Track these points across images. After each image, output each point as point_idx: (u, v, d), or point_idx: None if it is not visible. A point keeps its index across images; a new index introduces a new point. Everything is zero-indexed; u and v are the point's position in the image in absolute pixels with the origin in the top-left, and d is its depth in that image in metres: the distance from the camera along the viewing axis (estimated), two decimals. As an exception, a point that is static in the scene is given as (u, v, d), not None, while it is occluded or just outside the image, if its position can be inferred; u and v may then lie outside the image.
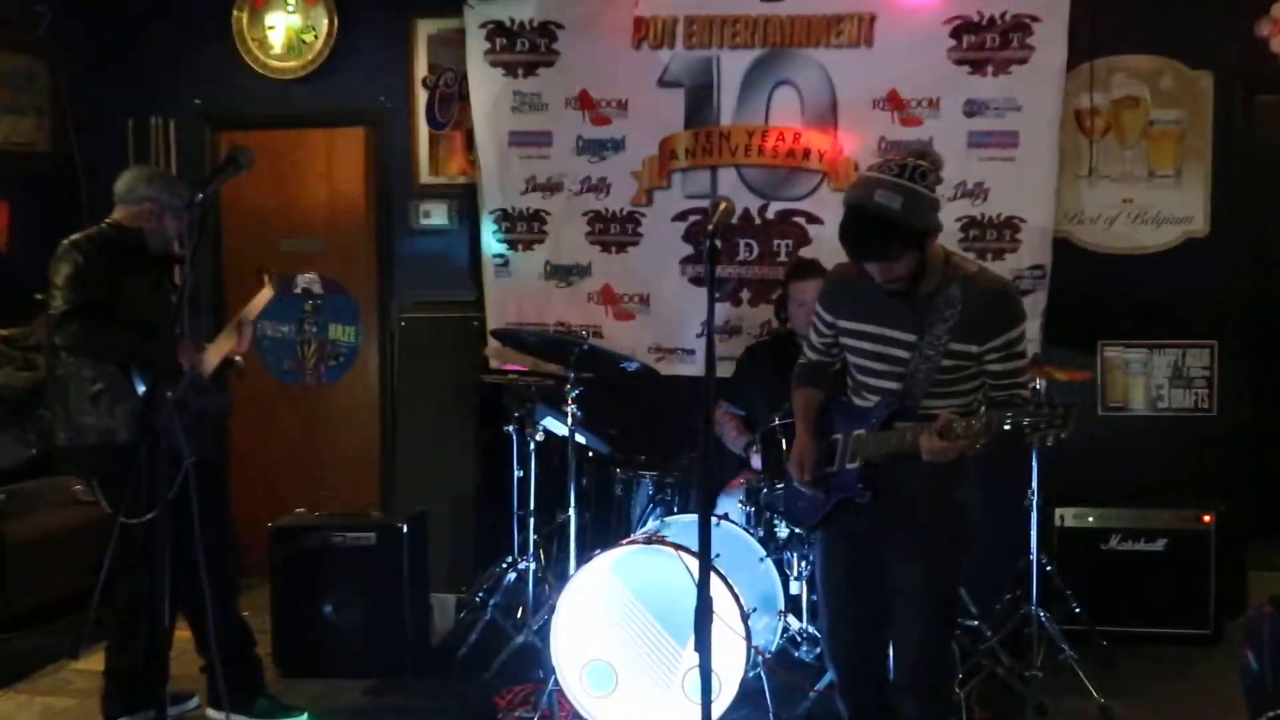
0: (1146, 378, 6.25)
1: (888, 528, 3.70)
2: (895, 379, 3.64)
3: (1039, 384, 5.20)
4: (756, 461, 5.48)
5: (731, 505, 5.31)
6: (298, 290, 7.07)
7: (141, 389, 4.69)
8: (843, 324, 3.75)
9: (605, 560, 4.77)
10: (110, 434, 4.72)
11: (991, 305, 3.57)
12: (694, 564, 4.32)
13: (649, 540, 4.78)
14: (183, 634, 4.87)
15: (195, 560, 3.92)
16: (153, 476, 4.35)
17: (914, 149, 3.62)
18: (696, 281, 6.38)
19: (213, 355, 4.98)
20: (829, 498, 3.78)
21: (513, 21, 6.47)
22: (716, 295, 5.92)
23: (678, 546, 4.68)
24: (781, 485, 5.07)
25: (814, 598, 4.85)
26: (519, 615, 5.75)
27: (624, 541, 4.89)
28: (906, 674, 3.76)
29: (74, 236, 4.84)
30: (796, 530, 4.99)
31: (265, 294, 5.20)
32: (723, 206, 3.45)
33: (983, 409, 3.55)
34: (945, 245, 3.70)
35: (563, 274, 6.55)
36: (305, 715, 5.07)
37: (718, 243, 3.34)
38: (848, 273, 3.74)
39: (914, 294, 3.58)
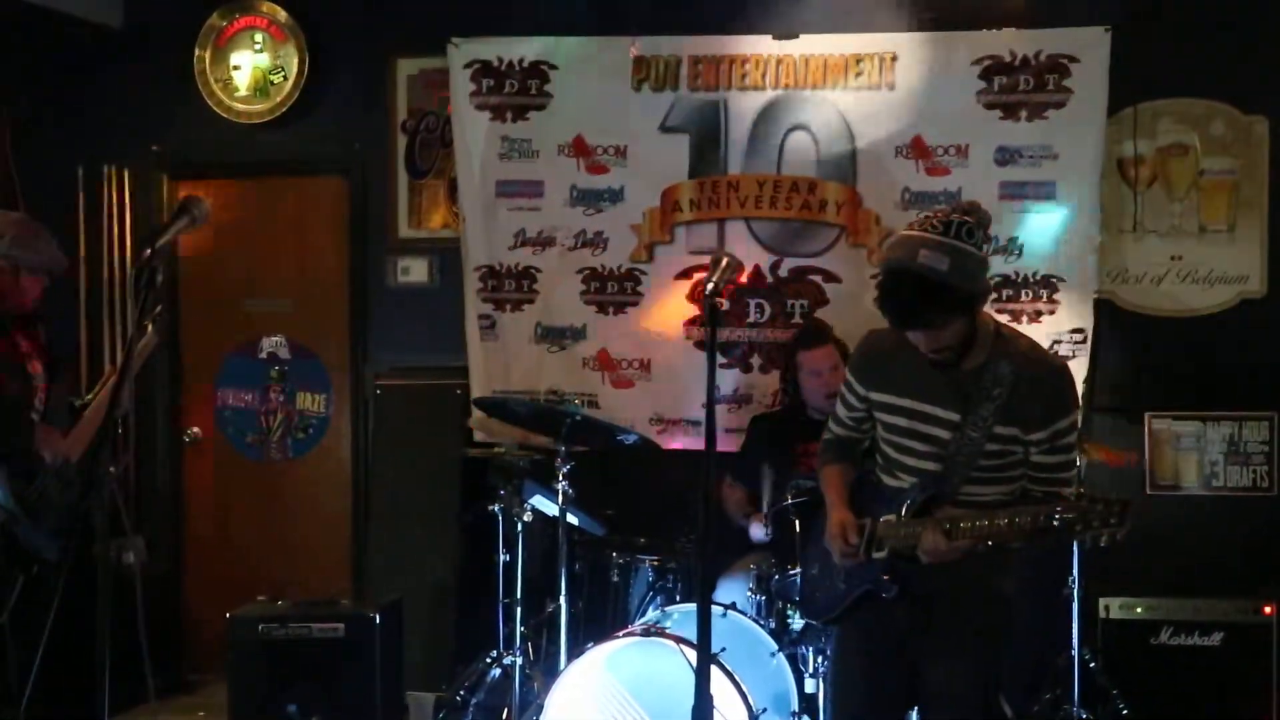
0: (1199, 453, 6.25)
1: (919, 626, 3.67)
2: (934, 460, 3.61)
3: (1080, 462, 5.21)
4: (756, 533, 5.48)
5: (740, 593, 5.30)
6: (262, 355, 7.12)
7: None
8: (876, 397, 3.73)
9: (599, 654, 4.77)
10: None
11: (1044, 389, 3.55)
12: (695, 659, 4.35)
13: (647, 632, 4.78)
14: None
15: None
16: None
17: (959, 204, 3.59)
18: (702, 346, 6.40)
19: (82, 434, 4.87)
20: (850, 589, 3.76)
21: (501, 61, 6.54)
22: (724, 360, 6.02)
23: (679, 639, 4.67)
24: (794, 571, 5.08)
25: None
26: (504, 716, 5.72)
27: (620, 633, 4.89)
28: None
29: None
30: (812, 622, 4.97)
31: (146, 341, 5.10)
32: (725, 262, 3.47)
33: (1003, 509, 3.52)
34: (992, 315, 3.71)
35: (555, 337, 6.58)
36: None
37: (721, 302, 3.36)
38: (884, 340, 3.73)
39: (959, 368, 3.57)
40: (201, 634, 6.91)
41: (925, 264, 3.40)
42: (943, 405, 3.59)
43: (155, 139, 7.15)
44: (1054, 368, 3.67)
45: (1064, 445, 3.60)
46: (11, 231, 4.84)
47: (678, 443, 6.40)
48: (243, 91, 7.03)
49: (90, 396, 5.09)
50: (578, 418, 5.36)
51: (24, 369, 4.79)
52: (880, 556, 3.66)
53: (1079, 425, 3.69)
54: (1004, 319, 5.86)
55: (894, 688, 3.74)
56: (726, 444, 6.01)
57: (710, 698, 3.19)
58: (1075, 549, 5.28)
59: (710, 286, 3.39)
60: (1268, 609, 5.78)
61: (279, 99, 6.99)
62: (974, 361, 3.57)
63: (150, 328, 5.11)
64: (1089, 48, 6.04)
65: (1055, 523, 3.33)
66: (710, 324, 3.38)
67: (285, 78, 6.98)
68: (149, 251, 3.77)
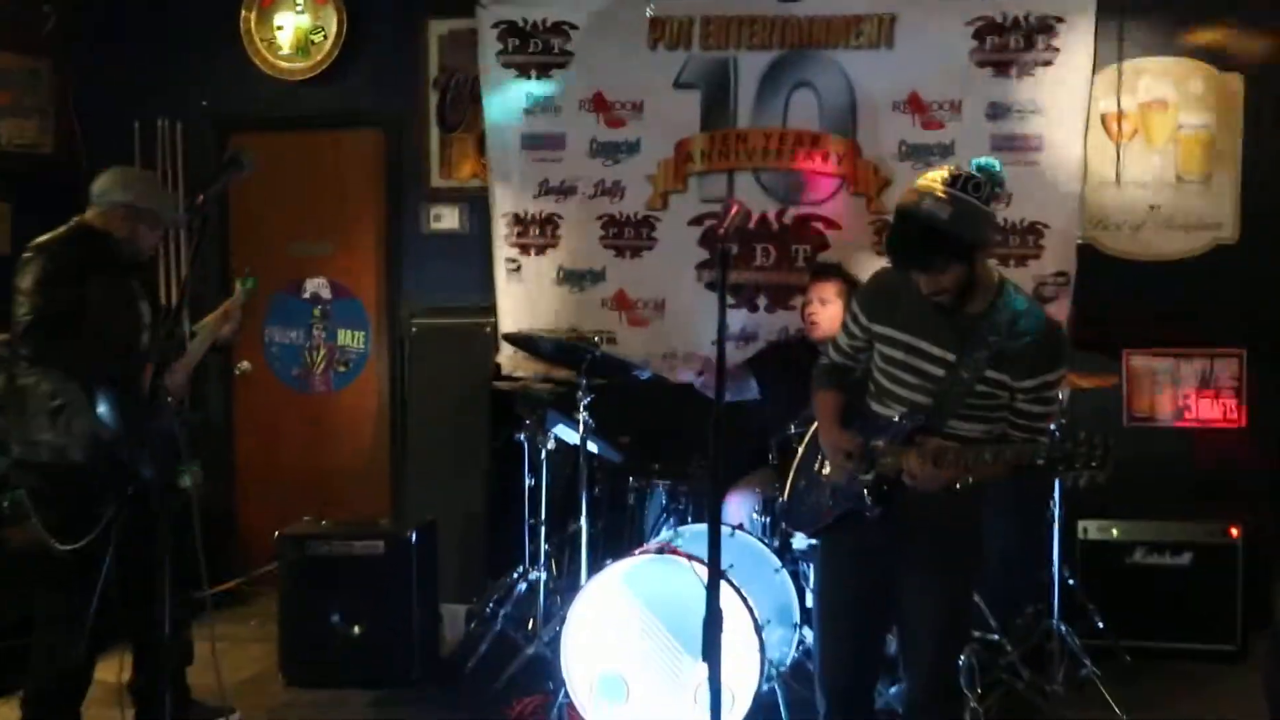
0: (1173, 387, 6.33)
1: (899, 547, 3.72)
2: (925, 394, 3.65)
3: (1063, 394, 5.28)
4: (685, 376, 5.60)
5: (746, 514, 5.41)
6: (306, 295, 7.22)
7: (102, 408, 4.60)
8: (878, 329, 3.76)
9: (617, 571, 4.87)
10: (63, 453, 4.64)
11: (1036, 343, 3.58)
12: (706, 574, 4.45)
13: (661, 550, 4.89)
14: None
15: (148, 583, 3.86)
16: (105, 502, 4.49)
17: (978, 161, 3.64)
18: (713, 287, 6.47)
19: (181, 370, 4.99)
20: (835, 506, 3.82)
21: (526, 22, 6.60)
22: (732, 301, 6.06)
23: (690, 556, 4.78)
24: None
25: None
26: (530, 626, 5.85)
27: (636, 551, 5.00)
28: (918, 697, 3.82)
29: (40, 239, 4.77)
30: (814, 542, 5.06)
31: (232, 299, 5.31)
32: (735, 210, 3.53)
33: (989, 444, 3.59)
34: (998, 267, 3.75)
35: (576, 279, 6.67)
36: (237, 714, 5.21)
37: (731, 247, 3.43)
38: (893, 278, 3.75)
39: (960, 312, 3.61)
40: (252, 550, 7.03)
41: (928, 210, 3.46)
42: (940, 345, 3.64)
43: (205, 95, 7.22)
44: (1050, 325, 3.69)
45: (1048, 397, 3.64)
46: (140, 186, 4.95)
47: (688, 376, 6.48)
48: (285, 50, 7.10)
49: (195, 329, 5.21)
50: (597, 354, 5.46)
51: (136, 308, 4.89)
52: (867, 478, 3.72)
53: (1063, 381, 3.73)
54: (992, 263, 6.04)
55: (874, 602, 3.80)
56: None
57: (720, 610, 3.27)
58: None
59: (722, 232, 3.45)
60: (1234, 531, 5.89)
61: (319, 57, 7.06)
62: (975, 308, 3.61)
63: (239, 285, 5.31)
64: (1076, 9, 6.08)
65: (1040, 461, 3.39)
66: (721, 267, 3.43)
67: (325, 37, 7.05)
68: (201, 198, 3.86)
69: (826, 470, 3.87)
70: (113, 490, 4.50)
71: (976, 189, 3.51)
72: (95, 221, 4.87)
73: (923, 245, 3.50)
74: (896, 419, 3.69)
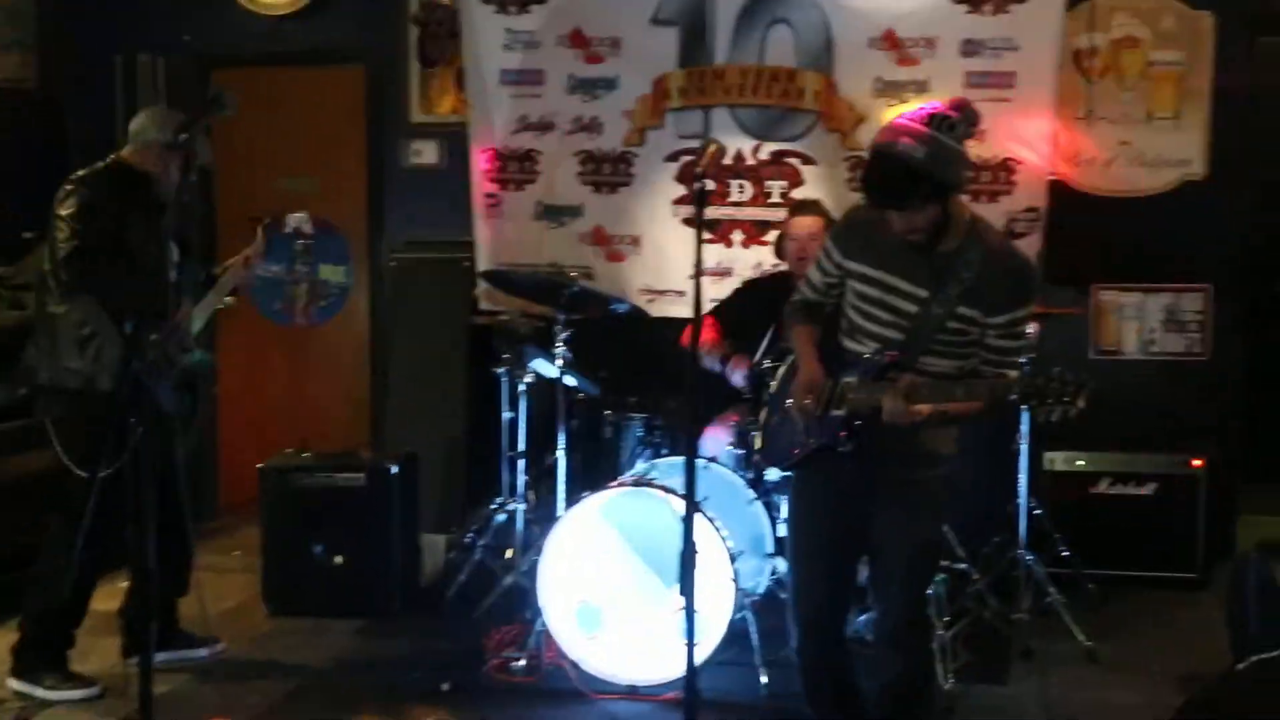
0: (1140, 321, 6.28)
1: (871, 480, 3.67)
2: (897, 330, 3.60)
3: (1032, 328, 5.20)
4: (737, 379, 5.39)
5: (720, 448, 5.33)
6: (288, 230, 7.04)
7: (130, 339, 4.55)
8: (851, 265, 3.69)
9: (593, 503, 4.81)
10: (92, 381, 4.69)
11: (1008, 279, 3.53)
12: (681, 507, 4.38)
13: (637, 483, 4.82)
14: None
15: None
16: (127, 430, 4.38)
17: (952, 100, 3.55)
18: (689, 223, 6.35)
19: (200, 312, 5.03)
20: (809, 441, 3.74)
21: (504, -43, 6.44)
22: (707, 236, 5.96)
23: (665, 489, 4.71)
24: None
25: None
26: (508, 556, 5.80)
27: (612, 484, 4.92)
28: (889, 627, 3.78)
29: (80, 173, 4.78)
30: (787, 473, 4.99)
31: (254, 246, 5.25)
32: (711, 149, 3.43)
33: (960, 380, 3.52)
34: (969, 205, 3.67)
35: (554, 215, 6.53)
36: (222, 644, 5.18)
37: (708, 185, 3.33)
38: (865, 215, 3.67)
39: (932, 250, 3.53)
40: (235, 480, 6.95)
41: (903, 150, 3.38)
42: (913, 281, 3.57)
43: (187, 31, 7.05)
44: (1021, 261, 3.65)
45: (1018, 332, 3.59)
46: (173, 125, 4.82)
47: (666, 311, 6.38)
48: (266, -14, 6.93)
49: (218, 271, 5.19)
50: (575, 289, 5.34)
51: (164, 245, 4.78)
52: (839, 414, 3.66)
53: (1032, 317, 3.67)
54: (965, 198, 5.93)
55: (846, 534, 3.74)
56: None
57: (694, 542, 3.21)
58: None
59: (698, 170, 3.36)
60: (1196, 462, 5.85)
61: (300, -8, 6.89)
62: (948, 245, 3.54)
63: (261, 232, 5.29)
64: (1050, -54, 5.93)
65: (1013, 396, 3.35)
66: (698, 204, 3.35)
67: (306, -27, 6.87)
68: (184, 136, 3.78)
69: (800, 405, 3.78)
70: (136, 419, 4.36)
71: (951, 128, 3.43)
72: (131, 159, 4.85)
73: (898, 184, 3.42)
74: (869, 355, 3.62)
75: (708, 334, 5.58)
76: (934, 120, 3.42)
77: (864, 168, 3.54)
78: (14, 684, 4.78)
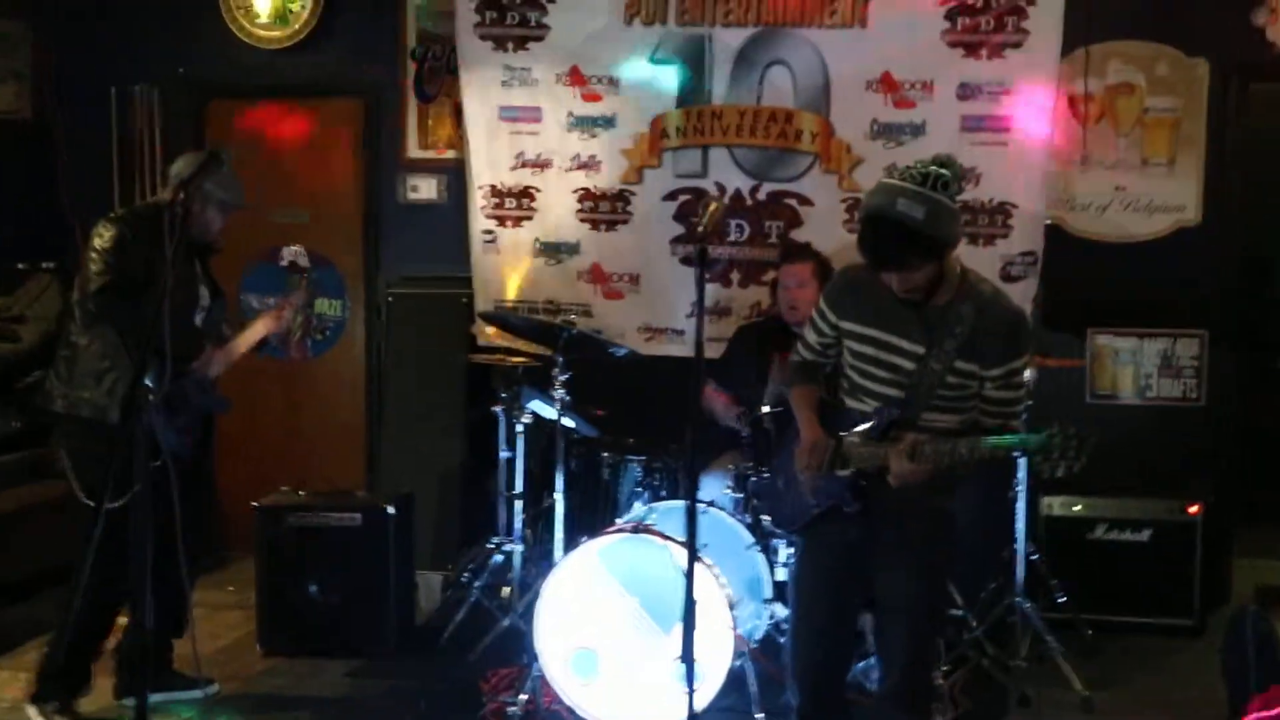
0: (1135, 366, 6.28)
1: (877, 539, 3.67)
2: (897, 387, 3.60)
3: (1030, 374, 5.21)
4: (730, 420, 5.47)
5: (718, 491, 5.32)
6: (283, 263, 7.02)
7: (153, 378, 4.54)
8: (847, 326, 3.70)
9: (591, 548, 4.79)
10: (103, 412, 4.73)
11: (1002, 331, 3.54)
12: (681, 555, 4.37)
13: (636, 529, 4.80)
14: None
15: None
16: (132, 465, 4.44)
17: (937, 157, 3.57)
18: (687, 261, 6.36)
19: (226, 355, 5.05)
20: (816, 503, 3.75)
21: (503, -6, 6.44)
22: (706, 275, 5.98)
23: (665, 536, 4.70)
24: (769, 474, 5.10)
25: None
26: (505, 595, 5.78)
27: (610, 529, 4.90)
28: (892, 684, 3.76)
29: (119, 210, 4.89)
30: (778, 530, 4.99)
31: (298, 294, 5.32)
32: (713, 208, 3.44)
33: (964, 437, 3.51)
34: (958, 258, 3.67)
35: (552, 251, 6.53)
36: (215, 685, 5.15)
37: (708, 247, 3.34)
38: (858, 275, 3.69)
39: (926, 305, 3.55)
40: (230, 516, 6.90)
41: (903, 212, 3.39)
42: (909, 338, 3.59)
43: (182, 62, 7.01)
44: (1013, 312, 3.65)
45: (1016, 383, 3.60)
46: (191, 162, 4.83)
47: (664, 349, 6.38)
48: (263, 19, 6.91)
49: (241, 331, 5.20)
50: (572, 332, 5.33)
51: (195, 289, 4.92)
52: (845, 474, 3.66)
53: (1029, 366, 3.68)
54: (962, 241, 5.94)
55: (852, 594, 3.76)
56: (709, 353, 5.97)
57: (694, 603, 3.21)
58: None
59: (700, 229, 3.36)
60: (1193, 509, 5.85)
61: (297, 26, 6.88)
62: (940, 300, 3.56)
63: (304, 284, 5.33)
64: (1046, -8, 5.96)
65: (1016, 454, 3.36)
66: (699, 262, 3.36)
67: (303, 7, 6.87)
68: (181, 195, 3.77)
69: (801, 469, 3.79)
70: (142, 456, 4.34)
71: (945, 187, 3.45)
72: (167, 200, 4.83)
73: (899, 246, 3.44)
74: (871, 414, 3.62)
75: (719, 400, 5.61)
76: (929, 179, 3.44)
77: (862, 230, 3.53)
78: (28, 707, 4.84)
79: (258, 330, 5.15)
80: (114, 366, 4.73)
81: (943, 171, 3.45)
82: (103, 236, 4.72)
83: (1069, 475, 3.28)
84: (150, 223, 4.74)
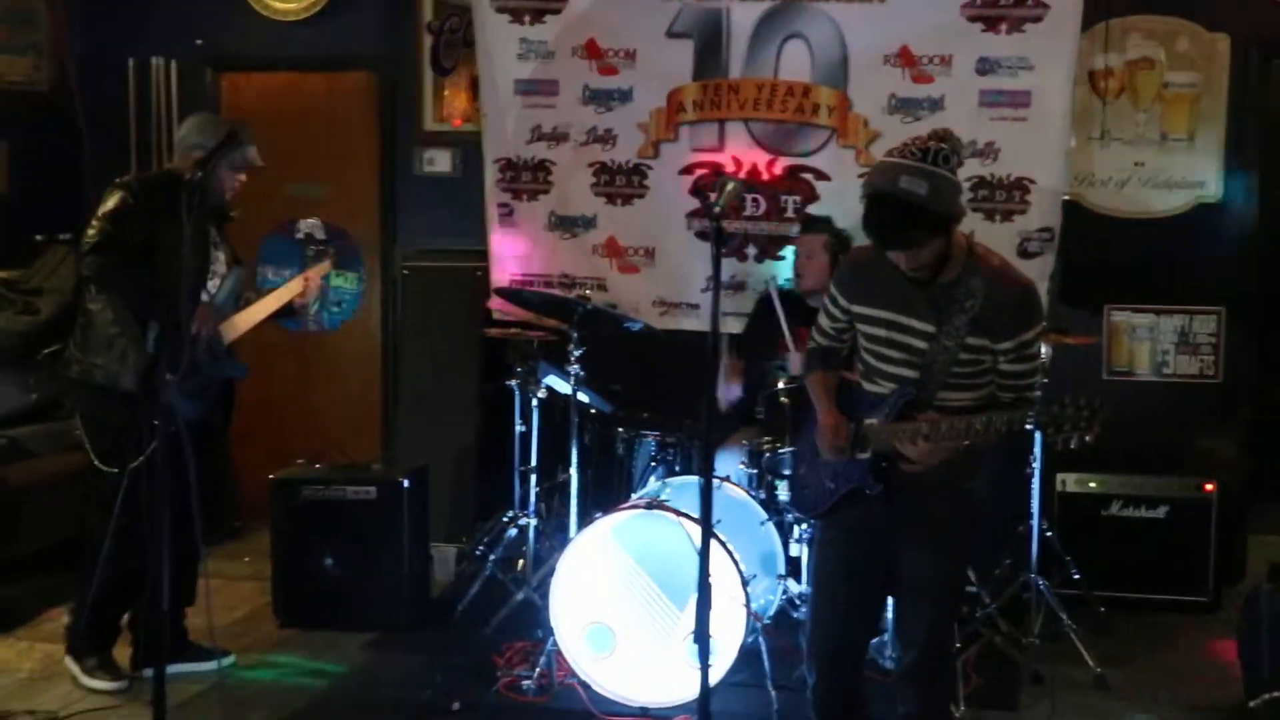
0: (1153, 343, 6.25)
1: (899, 519, 3.66)
2: (911, 367, 3.59)
3: (1045, 350, 5.20)
4: (732, 393, 5.58)
5: (733, 466, 5.33)
6: (300, 235, 7.05)
7: (152, 342, 4.75)
8: (858, 309, 3.69)
9: (606, 525, 4.79)
10: (115, 379, 4.78)
11: (1011, 304, 3.51)
12: (695, 531, 4.38)
13: (650, 506, 4.80)
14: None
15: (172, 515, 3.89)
16: (143, 430, 4.54)
17: (935, 132, 3.54)
18: (702, 236, 6.33)
19: (241, 322, 5.05)
20: (838, 487, 3.74)
21: (519, -34, 6.40)
22: (722, 250, 5.98)
23: (679, 513, 4.70)
24: (784, 449, 5.10)
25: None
26: (519, 569, 5.79)
27: (625, 506, 4.90)
28: (910, 663, 3.76)
29: (126, 176, 4.90)
30: (801, 516, 5.00)
31: (321, 267, 5.30)
32: (729, 187, 3.42)
33: (979, 413, 3.49)
34: (964, 233, 3.64)
35: (567, 225, 6.50)
36: (232, 657, 5.21)
37: (724, 225, 3.32)
38: (865, 257, 3.68)
39: (934, 283, 3.53)
40: (245, 488, 6.93)
41: (905, 189, 3.36)
42: (919, 317, 3.57)
43: (199, 34, 7.02)
44: (1022, 284, 3.61)
45: (1029, 355, 3.58)
46: (214, 129, 4.89)
47: (679, 324, 6.36)
48: (280, -9, 6.91)
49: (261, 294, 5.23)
50: (587, 307, 5.32)
51: (207, 253, 4.93)
52: (864, 457, 3.66)
53: (1041, 337, 3.66)
54: (979, 217, 5.95)
55: (873, 579, 3.74)
56: (722, 326, 5.97)
57: (710, 583, 3.22)
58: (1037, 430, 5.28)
59: (716, 209, 3.34)
60: (1208, 486, 5.83)
61: (312, -1, 6.87)
62: (948, 276, 3.53)
63: (329, 258, 5.35)
64: (1066, -35, 5.90)
65: (1030, 425, 3.34)
66: (715, 242, 3.34)
67: (320, -22, 6.85)
68: (199, 173, 3.77)
69: (825, 453, 3.78)
70: (153, 422, 4.49)
71: (946, 160, 3.42)
72: (179, 167, 4.90)
73: (904, 224, 3.41)
74: (887, 396, 3.61)
75: (732, 367, 5.70)
76: (929, 154, 3.41)
77: (865, 211, 3.49)
78: (67, 660, 5.01)
79: (279, 296, 5.16)
80: (124, 333, 4.78)
81: (942, 145, 3.43)
82: (106, 202, 4.77)
83: (1082, 446, 3.28)
84: (159, 190, 4.80)
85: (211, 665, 5.09)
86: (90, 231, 4.74)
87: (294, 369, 7.18)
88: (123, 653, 5.08)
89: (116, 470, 4.74)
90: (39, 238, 6.65)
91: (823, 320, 3.85)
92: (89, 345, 4.84)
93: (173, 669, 4.62)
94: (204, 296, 4.89)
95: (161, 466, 3.81)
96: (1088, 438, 3.25)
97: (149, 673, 4.69)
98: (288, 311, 5.29)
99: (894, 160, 3.44)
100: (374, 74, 6.97)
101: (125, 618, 5.11)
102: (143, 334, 4.76)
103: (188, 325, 4.60)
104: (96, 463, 4.84)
